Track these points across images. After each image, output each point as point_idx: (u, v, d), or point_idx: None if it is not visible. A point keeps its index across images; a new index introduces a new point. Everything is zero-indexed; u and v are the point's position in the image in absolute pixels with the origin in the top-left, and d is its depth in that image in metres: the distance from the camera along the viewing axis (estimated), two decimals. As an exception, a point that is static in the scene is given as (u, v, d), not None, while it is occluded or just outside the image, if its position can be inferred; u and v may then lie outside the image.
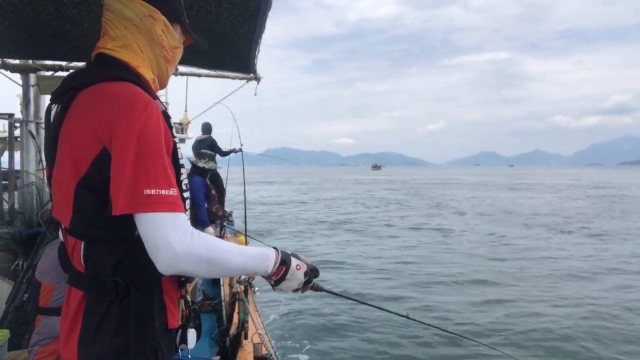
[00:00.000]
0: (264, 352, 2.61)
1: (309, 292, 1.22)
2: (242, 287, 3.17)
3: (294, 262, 1.12)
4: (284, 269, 1.10)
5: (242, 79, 4.09)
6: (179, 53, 1.14)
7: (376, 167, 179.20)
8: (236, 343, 2.93)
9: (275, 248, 1.13)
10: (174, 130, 1.01)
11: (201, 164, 4.83)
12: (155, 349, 0.97)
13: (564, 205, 25.85)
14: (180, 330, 1.08)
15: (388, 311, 1.75)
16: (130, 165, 0.87)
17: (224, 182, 6.30)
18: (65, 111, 0.97)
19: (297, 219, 20.10)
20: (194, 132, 8.40)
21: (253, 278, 2.94)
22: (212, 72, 3.98)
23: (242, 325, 2.96)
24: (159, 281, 1.00)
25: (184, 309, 1.09)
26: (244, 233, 4.03)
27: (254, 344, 2.69)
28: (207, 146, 6.92)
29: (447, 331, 2.11)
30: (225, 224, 5.66)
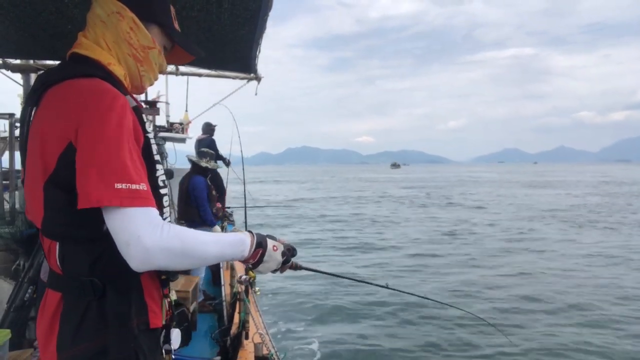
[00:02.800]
0: (264, 351, 2.61)
1: (288, 272, 1.24)
2: (243, 287, 3.17)
3: (270, 243, 1.12)
4: (261, 251, 1.10)
5: (242, 78, 4.09)
6: (155, 55, 1.10)
7: (395, 165, 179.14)
8: (237, 343, 2.93)
9: (250, 231, 1.13)
10: (146, 125, 1.01)
11: (203, 164, 4.82)
12: (136, 349, 0.95)
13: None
14: (164, 331, 1.07)
15: (368, 283, 1.83)
16: (96, 159, 0.86)
17: (225, 181, 6.30)
18: (33, 110, 0.97)
19: (299, 216, 20.19)
20: (195, 132, 8.40)
21: (254, 278, 2.94)
22: (213, 72, 3.98)
23: (243, 325, 2.96)
24: (138, 280, 0.99)
25: (167, 308, 1.08)
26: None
27: (254, 344, 2.69)
28: (205, 146, 6.92)
29: (427, 298, 2.17)
30: (225, 224, 5.65)
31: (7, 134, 4.27)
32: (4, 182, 4.28)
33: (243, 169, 4.27)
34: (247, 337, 2.90)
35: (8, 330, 2.21)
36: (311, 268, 1.40)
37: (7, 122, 4.09)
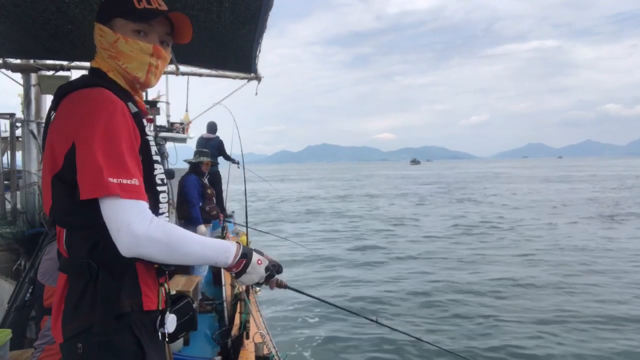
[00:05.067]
0: (265, 352, 2.61)
1: (275, 289, 1.34)
2: (244, 287, 3.17)
3: (255, 256, 1.20)
4: (244, 261, 1.17)
5: (243, 78, 4.09)
6: (123, 44, 1.16)
7: (415, 162, 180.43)
8: (238, 343, 2.93)
9: (238, 243, 1.21)
10: (146, 129, 1.15)
11: (194, 160, 4.95)
12: (131, 325, 1.07)
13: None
14: (160, 316, 1.17)
15: (357, 314, 1.85)
16: (93, 156, 0.98)
17: (226, 181, 6.30)
18: (51, 115, 1.12)
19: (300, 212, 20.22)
20: (196, 132, 8.40)
21: None
22: (214, 72, 3.98)
23: (244, 325, 2.96)
24: (133, 267, 1.10)
25: (163, 295, 1.19)
26: (245, 233, 4.03)
27: (255, 344, 2.69)
28: (215, 146, 6.91)
29: (414, 337, 2.14)
30: (226, 223, 5.65)
31: (8, 134, 4.27)
32: (5, 182, 4.28)
33: (243, 167, 4.28)
34: (247, 337, 2.90)
35: (9, 330, 2.21)
36: (297, 289, 1.49)
37: (7, 122, 4.09)
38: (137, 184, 1.02)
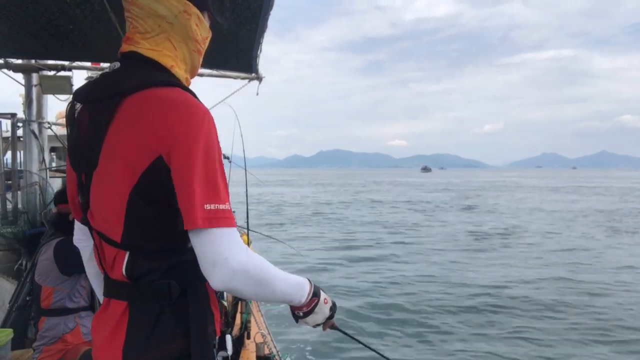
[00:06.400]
0: (266, 351, 2.61)
1: (328, 331, 1.18)
2: None
3: (322, 295, 1.09)
4: (316, 300, 1.06)
5: (244, 78, 4.09)
6: (208, 41, 1.08)
7: (426, 169, 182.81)
8: (239, 343, 2.93)
9: (308, 280, 1.08)
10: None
11: None
12: (214, 355, 0.95)
13: None
14: (218, 338, 1.05)
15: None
16: (198, 180, 0.84)
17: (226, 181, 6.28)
18: (109, 117, 0.91)
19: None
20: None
21: None
22: (215, 72, 3.98)
23: (245, 325, 2.96)
24: (205, 288, 0.97)
25: (221, 316, 1.09)
26: (246, 233, 4.03)
27: (256, 344, 2.69)
28: None
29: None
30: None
31: (9, 134, 4.28)
32: (7, 182, 4.29)
33: (245, 169, 4.28)
34: (249, 337, 2.90)
35: (10, 330, 2.21)
36: (348, 333, 1.34)
37: (9, 122, 4.09)
38: (229, 208, 0.88)
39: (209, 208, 0.84)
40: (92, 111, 0.94)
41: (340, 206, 26.87)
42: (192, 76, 1.08)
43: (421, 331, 6.43)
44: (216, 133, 0.91)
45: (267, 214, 22.40)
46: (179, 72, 1.00)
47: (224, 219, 0.86)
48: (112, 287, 0.97)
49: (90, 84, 0.99)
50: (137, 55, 0.97)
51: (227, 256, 0.84)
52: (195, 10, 0.99)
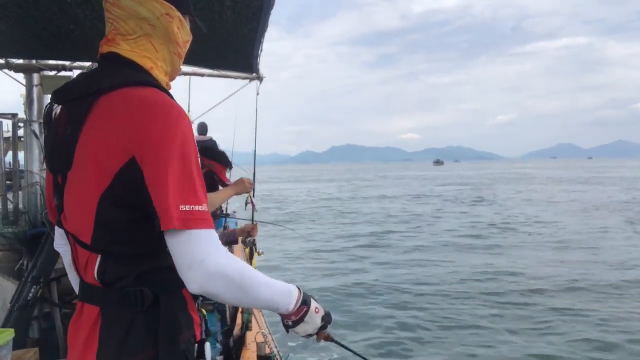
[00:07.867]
0: (267, 351, 2.61)
1: (322, 343, 1.14)
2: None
3: (313, 304, 1.05)
4: (305, 309, 1.02)
5: (244, 78, 4.09)
6: (189, 45, 1.09)
7: (438, 162, 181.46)
8: (240, 343, 2.92)
9: (297, 287, 1.05)
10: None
11: None
12: (187, 357, 0.93)
13: None
14: (196, 344, 1.03)
15: None
16: (173, 180, 0.82)
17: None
18: (84, 116, 0.89)
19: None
20: (195, 132, 8.47)
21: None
22: (215, 72, 3.98)
23: (246, 325, 2.96)
24: (182, 293, 0.96)
25: (199, 321, 1.06)
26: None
27: (257, 343, 2.68)
28: (209, 148, 6.90)
29: None
30: (227, 222, 5.64)
31: (10, 134, 4.28)
32: (8, 182, 4.29)
33: (254, 166, 4.28)
34: (246, 331, 2.91)
35: (11, 330, 2.21)
36: (344, 345, 1.28)
37: (10, 122, 4.10)
38: (206, 209, 0.86)
39: (184, 209, 0.82)
40: (69, 110, 0.94)
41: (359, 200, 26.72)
42: (172, 79, 1.09)
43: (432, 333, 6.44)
44: (192, 133, 0.90)
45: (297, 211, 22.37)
46: (159, 74, 1.00)
47: (200, 220, 0.83)
48: (86, 291, 0.95)
49: (68, 84, 0.99)
50: (116, 57, 0.97)
51: (203, 258, 0.82)
52: (177, 13, 1.00)
